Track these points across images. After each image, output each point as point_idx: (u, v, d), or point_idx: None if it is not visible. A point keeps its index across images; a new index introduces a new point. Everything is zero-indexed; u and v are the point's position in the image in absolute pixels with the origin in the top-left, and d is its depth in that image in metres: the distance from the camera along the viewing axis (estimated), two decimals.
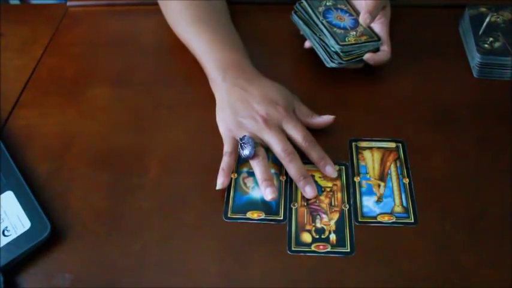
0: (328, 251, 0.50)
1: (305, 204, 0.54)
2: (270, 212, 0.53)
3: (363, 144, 0.59)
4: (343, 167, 0.57)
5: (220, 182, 0.54)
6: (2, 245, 0.50)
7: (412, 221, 0.52)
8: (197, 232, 0.52)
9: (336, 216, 0.53)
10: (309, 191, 0.54)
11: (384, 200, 0.54)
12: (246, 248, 0.51)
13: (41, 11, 0.82)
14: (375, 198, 0.54)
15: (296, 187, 0.55)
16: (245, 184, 0.56)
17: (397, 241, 0.51)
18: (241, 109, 0.57)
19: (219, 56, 0.62)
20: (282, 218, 0.53)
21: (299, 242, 0.51)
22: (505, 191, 0.54)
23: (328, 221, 0.53)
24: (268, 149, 0.56)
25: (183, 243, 0.51)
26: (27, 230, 0.51)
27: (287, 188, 0.55)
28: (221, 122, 0.59)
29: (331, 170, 0.55)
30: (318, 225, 0.52)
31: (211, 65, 0.62)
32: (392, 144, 0.59)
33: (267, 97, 0.58)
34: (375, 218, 0.53)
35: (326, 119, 0.59)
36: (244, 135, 0.55)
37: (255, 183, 0.56)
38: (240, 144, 0.55)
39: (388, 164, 0.57)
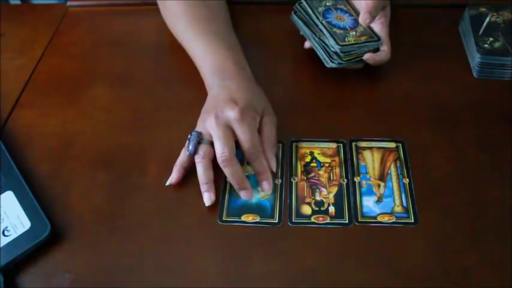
0: (327, 222, 0.52)
1: (305, 178, 0.56)
2: (265, 215, 0.53)
3: (363, 144, 0.59)
4: (341, 145, 0.59)
5: (170, 177, 0.55)
6: (2, 245, 0.50)
7: (412, 221, 0.52)
8: (197, 232, 0.52)
9: (334, 189, 0.55)
10: (243, 195, 0.54)
11: (384, 200, 0.54)
12: (245, 247, 0.51)
13: (41, 11, 0.82)
14: (374, 198, 0.54)
15: (296, 162, 0.57)
16: None
17: (397, 241, 0.51)
18: (209, 107, 0.58)
19: (215, 61, 0.62)
20: (276, 220, 0.53)
21: (299, 214, 0.53)
22: (505, 191, 0.54)
23: (327, 194, 0.54)
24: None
25: (183, 243, 0.51)
26: (27, 230, 0.51)
27: (282, 191, 0.55)
28: None
29: (267, 186, 0.55)
30: (318, 198, 0.54)
31: (206, 71, 0.62)
32: (392, 144, 0.59)
33: (231, 96, 0.56)
34: (375, 218, 0.53)
35: (264, 176, 0.55)
36: (193, 132, 0.56)
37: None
38: (188, 139, 0.55)
39: (388, 164, 0.57)
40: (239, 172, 0.54)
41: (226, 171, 0.54)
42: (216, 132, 0.54)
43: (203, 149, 0.55)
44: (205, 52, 0.63)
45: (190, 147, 0.54)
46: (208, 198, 0.54)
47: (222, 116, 0.55)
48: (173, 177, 0.55)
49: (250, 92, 0.58)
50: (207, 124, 0.55)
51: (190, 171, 0.57)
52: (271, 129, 0.58)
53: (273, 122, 0.58)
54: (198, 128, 0.56)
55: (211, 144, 0.55)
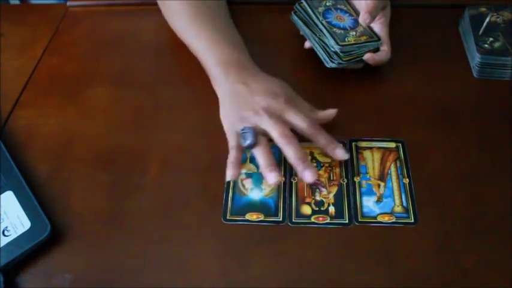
0: (327, 222, 0.52)
1: None
2: (269, 213, 0.53)
3: (363, 144, 0.59)
4: (341, 144, 0.58)
5: (230, 173, 0.54)
6: (2, 245, 0.50)
7: (412, 221, 0.52)
8: (197, 232, 0.52)
9: (334, 189, 0.55)
10: (307, 175, 0.53)
11: (384, 200, 0.54)
12: (246, 247, 0.51)
13: (41, 11, 0.82)
14: (374, 198, 0.54)
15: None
16: (243, 186, 0.56)
17: (397, 241, 0.51)
18: (243, 103, 0.57)
19: (221, 55, 0.62)
20: (281, 219, 0.53)
21: (299, 214, 0.53)
22: (505, 191, 0.54)
23: (327, 194, 0.55)
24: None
25: (183, 243, 0.51)
26: (27, 230, 0.51)
27: (285, 189, 0.55)
28: (224, 118, 0.59)
29: (341, 152, 0.56)
30: (318, 198, 0.54)
31: (212, 64, 0.62)
32: (392, 144, 0.59)
33: (268, 90, 0.58)
34: (375, 218, 0.53)
35: (328, 113, 0.59)
36: (244, 126, 0.55)
37: (253, 184, 0.56)
38: (241, 134, 0.55)
39: (388, 164, 0.57)
40: (301, 150, 0.54)
41: (288, 148, 0.54)
42: (270, 120, 0.55)
43: (262, 139, 0.55)
44: (211, 48, 0.63)
45: (249, 140, 0.54)
46: (274, 176, 0.53)
47: (271, 109, 0.56)
48: (234, 174, 0.54)
49: (273, 80, 0.60)
50: (253, 119, 0.56)
51: (191, 170, 0.57)
52: (309, 107, 0.59)
53: (304, 102, 0.60)
54: (238, 126, 0.56)
55: (264, 135, 0.56)
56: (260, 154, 0.55)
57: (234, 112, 0.58)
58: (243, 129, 0.55)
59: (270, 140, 0.56)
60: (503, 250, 0.50)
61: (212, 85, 0.62)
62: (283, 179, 0.56)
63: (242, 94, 0.58)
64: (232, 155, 0.55)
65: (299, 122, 0.55)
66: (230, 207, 0.54)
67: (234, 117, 0.57)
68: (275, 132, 0.54)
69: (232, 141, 0.56)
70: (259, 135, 0.55)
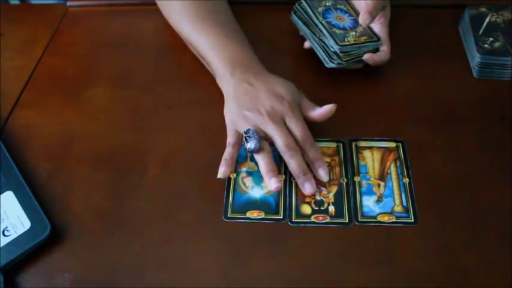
0: (327, 222, 0.52)
1: None
2: (270, 211, 0.53)
3: (363, 144, 0.59)
4: (341, 144, 0.59)
5: (222, 171, 0.54)
6: (2, 245, 0.50)
7: (412, 220, 0.52)
8: (197, 232, 0.52)
9: (334, 189, 0.55)
10: (307, 188, 0.54)
11: (383, 199, 0.54)
12: (245, 247, 0.51)
13: (41, 11, 0.82)
14: (374, 198, 0.54)
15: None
16: (244, 184, 0.56)
17: (397, 241, 0.51)
18: (246, 102, 0.57)
19: (226, 52, 0.62)
20: (281, 216, 0.53)
21: (299, 214, 0.53)
22: (505, 191, 0.54)
23: (327, 194, 0.55)
24: (272, 145, 0.56)
25: (183, 243, 0.51)
26: (27, 230, 0.51)
27: (286, 186, 0.55)
28: (227, 114, 0.59)
29: (323, 173, 0.55)
30: (317, 197, 0.54)
31: (218, 61, 0.62)
32: (392, 144, 0.59)
33: (273, 91, 0.58)
34: (375, 217, 0.53)
35: (326, 109, 0.58)
36: (249, 129, 0.55)
37: (254, 182, 0.56)
38: (245, 137, 0.55)
39: (388, 163, 0.57)
40: (303, 162, 0.55)
41: (292, 161, 0.54)
42: (274, 126, 0.55)
43: (266, 144, 0.56)
44: (217, 45, 0.63)
45: (253, 145, 0.54)
46: (276, 181, 0.53)
47: (275, 112, 0.56)
48: (226, 172, 0.54)
49: (279, 80, 0.60)
50: (255, 120, 0.56)
51: (191, 170, 0.57)
52: (311, 105, 0.59)
53: (307, 100, 0.60)
54: (242, 126, 0.56)
55: (266, 139, 0.56)
56: (262, 160, 0.55)
57: (237, 110, 0.57)
58: (247, 132, 0.55)
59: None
60: (503, 250, 0.50)
61: (217, 82, 0.62)
62: (283, 176, 0.56)
63: (247, 93, 0.58)
64: (227, 152, 0.55)
65: (296, 131, 0.56)
66: (231, 205, 0.54)
67: (236, 115, 0.57)
68: (280, 142, 0.55)
69: (230, 138, 0.56)
70: (262, 139, 0.56)
